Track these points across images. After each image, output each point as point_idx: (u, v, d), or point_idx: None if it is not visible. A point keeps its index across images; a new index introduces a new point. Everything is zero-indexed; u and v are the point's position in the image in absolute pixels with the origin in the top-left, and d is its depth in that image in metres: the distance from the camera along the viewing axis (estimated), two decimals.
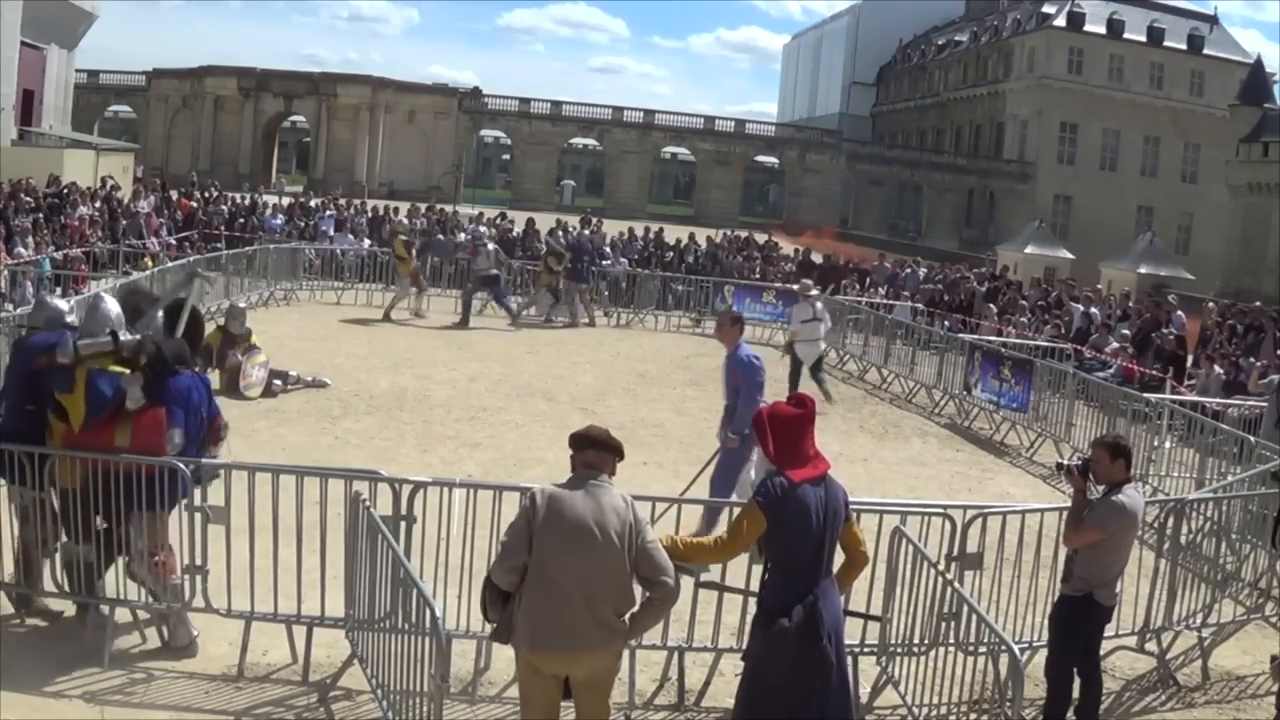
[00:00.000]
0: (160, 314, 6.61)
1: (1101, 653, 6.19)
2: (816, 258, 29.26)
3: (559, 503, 4.50)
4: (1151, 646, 7.00)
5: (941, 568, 5.95)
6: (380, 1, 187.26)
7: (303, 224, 27.16)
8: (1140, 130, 67.89)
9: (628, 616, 4.59)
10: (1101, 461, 5.89)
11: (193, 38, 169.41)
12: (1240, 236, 48.38)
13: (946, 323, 22.05)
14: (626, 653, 5.24)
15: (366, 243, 24.84)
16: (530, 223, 27.88)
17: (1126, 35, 67.43)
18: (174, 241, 24.28)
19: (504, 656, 5.68)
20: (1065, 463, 6.55)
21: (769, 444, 4.82)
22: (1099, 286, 27.17)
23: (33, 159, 28.59)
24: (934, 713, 5.86)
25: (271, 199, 34.04)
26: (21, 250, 19.41)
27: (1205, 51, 68.23)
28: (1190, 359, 18.16)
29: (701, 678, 6.36)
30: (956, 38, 77.43)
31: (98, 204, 24.93)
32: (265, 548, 6.02)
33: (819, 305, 15.59)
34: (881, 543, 6.22)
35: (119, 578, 6.27)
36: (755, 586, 5.05)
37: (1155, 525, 7.29)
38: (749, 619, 5.06)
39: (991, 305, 23.05)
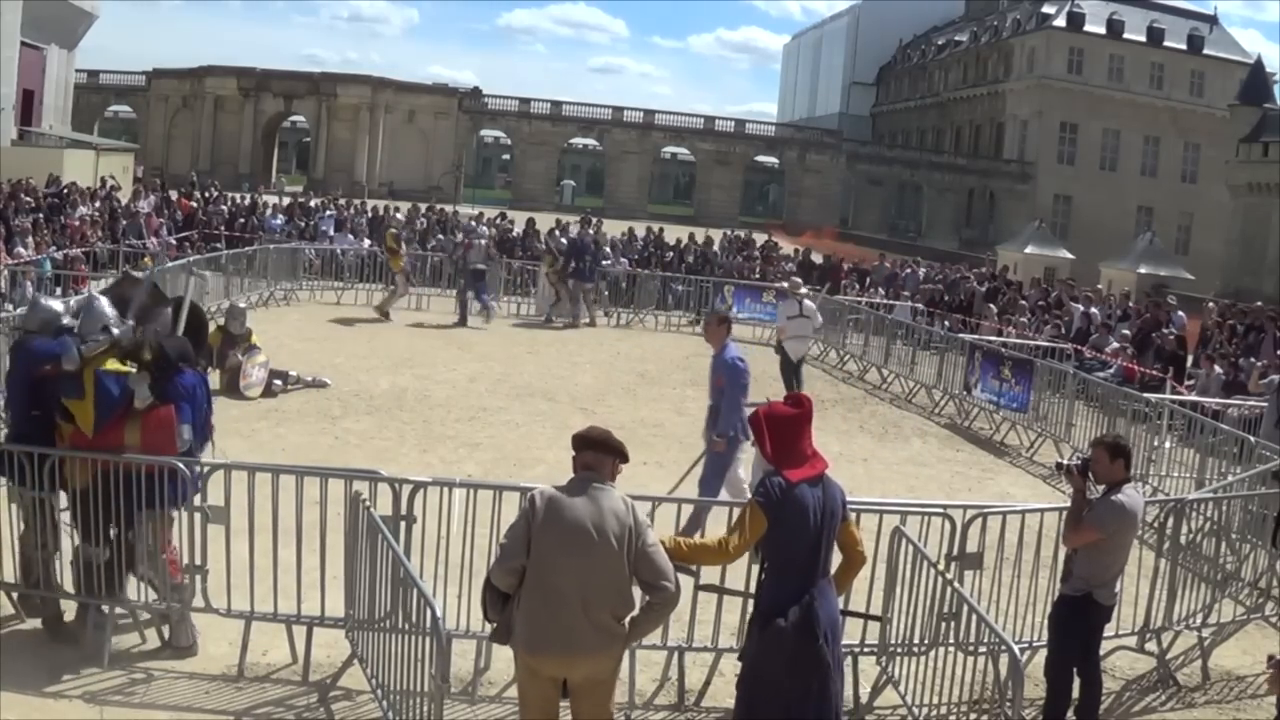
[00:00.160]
0: (163, 311, 6.60)
1: (1101, 653, 6.20)
2: (816, 258, 29.24)
3: (558, 505, 4.48)
4: (1151, 646, 7.00)
5: (941, 568, 5.95)
6: (380, 1, 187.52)
7: (303, 224, 27.17)
8: (1140, 130, 67.90)
9: (627, 621, 4.56)
10: (1101, 461, 5.89)
11: (193, 38, 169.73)
12: (1240, 236, 48.38)
13: (946, 323, 22.06)
14: (626, 653, 5.22)
15: (366, 243, 24.84)
16: (530, 223, 27.88)
17: (1126, 35, 67.45)
18: (174, 241, 24.27)
19: (504, 656, 5.68)
20: (1065, 462, 6.55)
21: (766, 444, 4.80)
22: (1099, 286, 27.19)
23: (33, 159, 28.62)
24: (934, 713, 5.87)
25: (271, 199, 34.03)
26: (21, 250, 19.41)
27: (1205, 51, 68.25)
28: (1190, 359, 18.15)
29: (701, 678, 6.36)
30: (956, 38, 77.44)
31: (97, 204, 24.94)
32: (265, 548, 6.02)
33: (806, 303, 15.74)
34: (881, 543, 6.22)
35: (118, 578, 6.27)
36: (754, 588, 5.05)
37: (1155, 525, 7.29)
38: (749, 619, 5.06)
39: (991, 305, 23.05)
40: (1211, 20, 70.66)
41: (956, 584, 5.95)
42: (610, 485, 4.59)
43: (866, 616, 5.80)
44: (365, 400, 13.18)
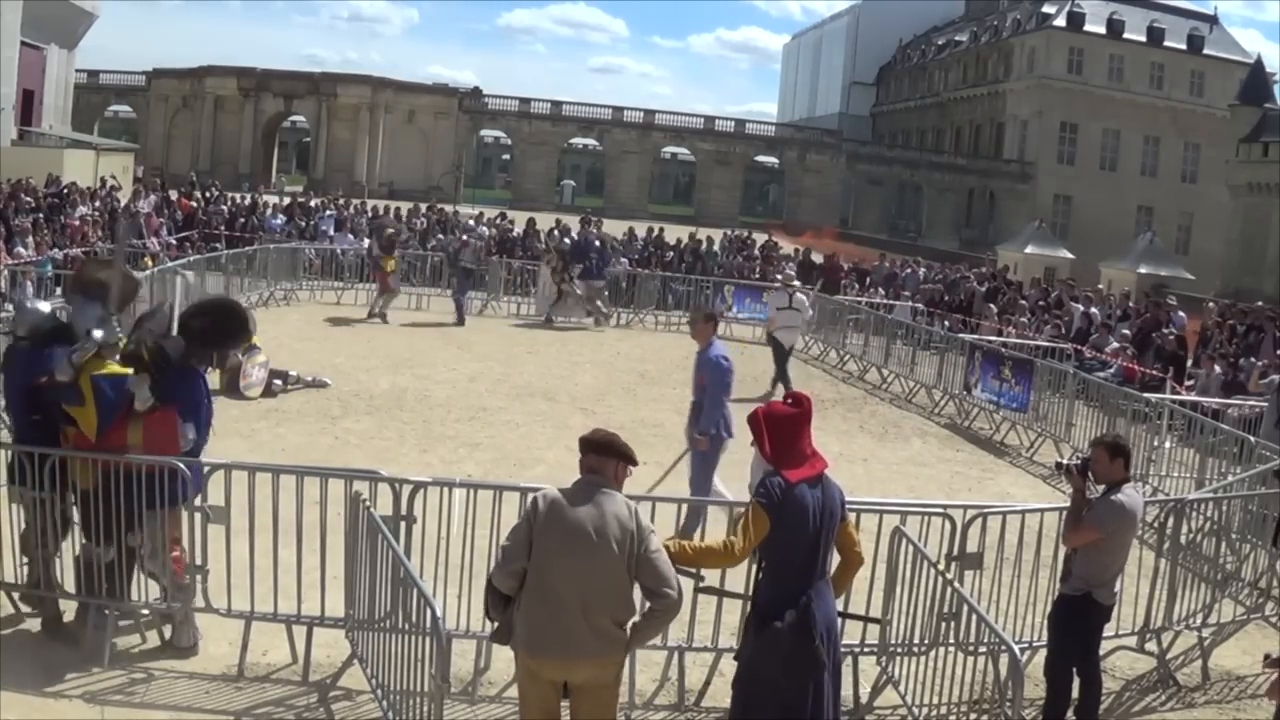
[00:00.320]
0: (161, 311, 6.58)
1: (1101, 653, 6.20)
2: (817, 257, 29.25)
3: (560, 508, 4.45)
4: (1151, 646, 7.00)
5: (941, 568, 5.95)
6: (380, 1, 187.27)
7: (303, 224, 27.17)
8: (1140, 130, 67.88)
9: (629, 626, 4.53)
10: (1101, 461, 5.90)
11: (193, 38, 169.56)
12: (1240, 236, 48.38)
13: (946, 323, 22.06)
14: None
15: (366, 243, 24.84)
16: (530, 223, 27.91)
17: (1126, 35, 67.43)
18: (174, 241, 24.28)
19: (504, 656, 5.68)
20: (1065, 462, 6.56)
21: (765, 444, 4.78)
22: (1099, 286, 27.18)
23: (33, 159, 28.63)
24: (934, 713, 5.87)
25: (271, 199, 34.03)
26: (21, 250, 19.41)
27: (1205, 51, 68.22)
28: (1190, 359, 18.16)
29: (701, 678, 6.36)
30: (956, 38, 77.43)
31: (97, 204, 24.95)
32: (265, 548, 6.02)
33: (797, 295, 16.42)
34: (881, 543, 6.22)
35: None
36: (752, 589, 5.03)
37: (1155, 525, 7.29)
38: (745, 619, 5.04)
39: (991, 305, 23.06)
40: (1211, 20, 70.64)
41: (956, 584, 5.95)
42: (615, 489, 4.56)
43: (865, 619, 5.79)
44: (365, 400, 13.18)
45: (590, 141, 73.87)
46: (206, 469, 6.22)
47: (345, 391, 13.50)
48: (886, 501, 7.47)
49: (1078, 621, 5.89)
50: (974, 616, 5.65)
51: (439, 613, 4.63)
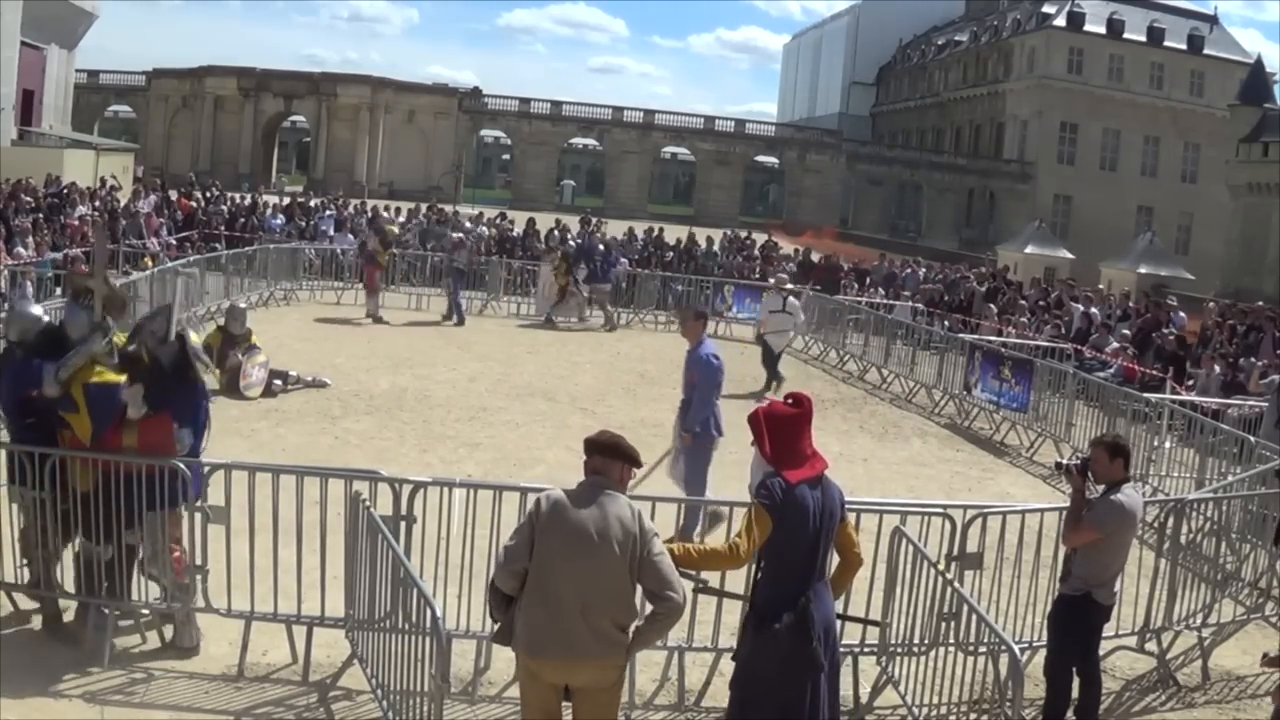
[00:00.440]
0: (158, 319, 6.55)
1: (1101, 653, 6.20)
2: (816, 258, 29.26)
3: (563, 509, 4.43)
4: (1151, 646, 7.00)
5: (941, 568, 5.95)
6: (380, 1, 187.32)
7: (303, 224, 27.17)
8: (1140, 130, 67.88)
9: (631, 629, 4.50)
10: (1101, 461, 5.90)
11: (193, 38, 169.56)
12: (1240, 236, 48.37)
13: (946, 323, 22.07)
14: None
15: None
16: (530, 223, 27.94)
17: (1126, 35, 67.42)
18: (174, 241, 24.28)
19: (504, 656, 5.68)
20: (1065, 462, 6.56)
21: (765, 444, 4.75)
22: (1099, 286, 27.19)
23: (33, 159, 28.63)
24: (934, 713, 5.87)
25: (271, 199, 34.03)
26: (21, 250, 19.41)
27: (1205, 51, 68.22)
28: (1190, 359, 18.15)
29: (701, 678, 6.36)
30: (956, 38, 77.42)
31: (97, 204, 24.94)
32: (265, 548, 6.02)
33: (790, 300, 16.80)
34: (881, 543, 6.22)
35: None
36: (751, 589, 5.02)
37: (1155, 525, 7.29)
38: (743, 619, 5.03)
39: (991, 305, 23.06)
40: (1211, 20, 70.63)
41: (956, 584, 5.95)
42: (619, 491, 4.54)
43: (865, 621, 5.77)
44: (365, 400, 13.18)
45: (590, 141, 73.86)
46: (206, 469, 6.22)
47: (345, 391, 13.50)
48: (886, 501, 7.47)
49: (1078, 621, 5.89)
50: (974, 616, 5.65)
51: (439, 613, 4.63)
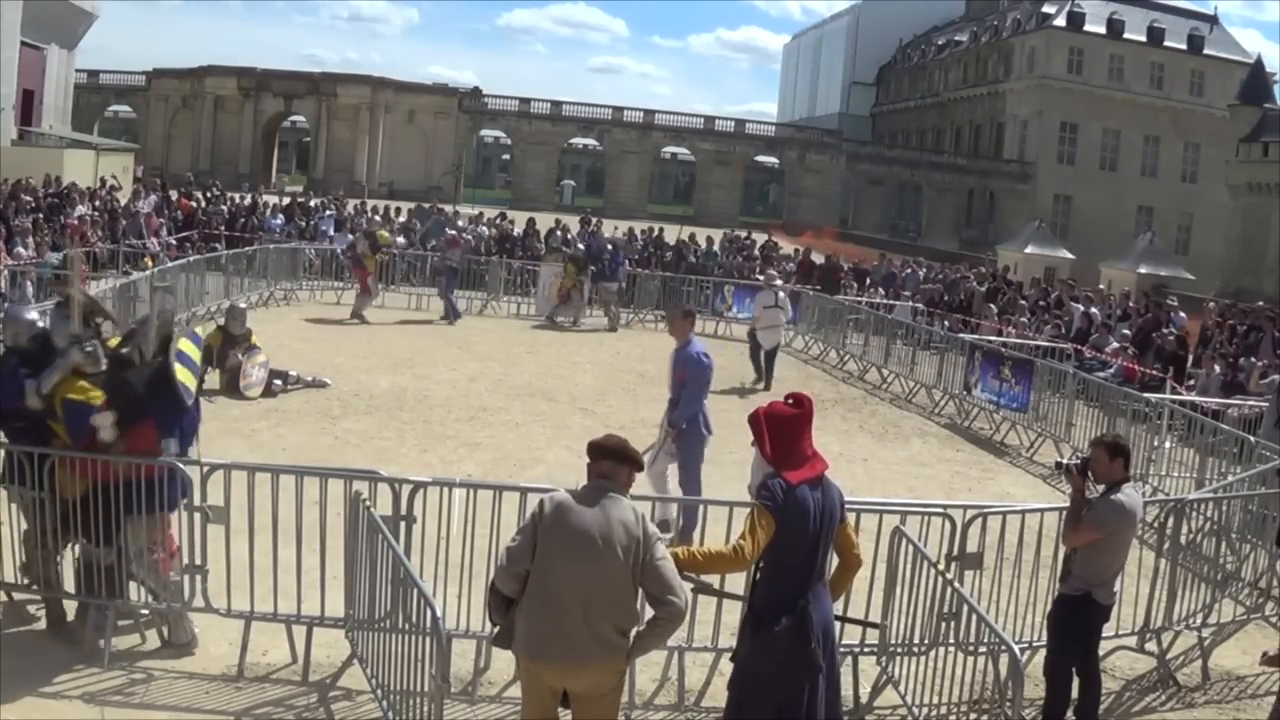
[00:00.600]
0: (146, 327, 6.44)
1: (1101, 653, 6.20)
2: (817, 258, 29.27)
3: (566, 512, 4.40)
4: (1151, 646, 7.00)
5: (941, 568, 5.95)
6: (380, 1, 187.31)
7: (303, 224, 27.17)
8: (1140, 130, 67.89)
9: (632, 634, 4.48)
10: (1101, 461, 5.90)
11: (193, 38, 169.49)
12: (1240, 236, 48.36)
13: (946, 323, 22.07)
14: None
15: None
16: (530, 223, 27.95)
17: (1126, 35, 67.43)
18: (174, 241, 24.28)
19: (504, 656, 5.67)
20: (1065, 462, 6.56)
21: (766, 444, 4.74)
22: (1099, 286, 27.19)
23: (33, 159, 28.63)
24: (934, 713, 5.87)
25: (271, 199, 34.03)
26: (21, 250, 19.41)
27: (1205, 51, 68.22)
28: (1190, 359, 18.16)
29: (701, 678, 6.36)
30: (956, 38, 77.43)
31: (96, 203, 24.94)
32: (265, 548, 6.02)
33: (780, 294, 17.19)
34: (881, 543, 6.22)
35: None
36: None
37: (1155, 525, 7.29)
38: (742, 620, 5.03)
39: (991, 305, 23.06)
40: (1211, 20, 70.64)
41: (956, 584, 5.95)
42: (623, 495, 4.51)
43: (864, 624, 5.77)
44: (365, 400, 13.18)
45: (590, 141, 73.84)
46: (206, 469, 6.21)
47: (345, 391, 13.50)
48: (886, 501, 7.47)
49: (1077, 621, 5.89)
50: (974, 616, 5.65)
51: (439, 613, 4.62)
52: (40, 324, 6.46)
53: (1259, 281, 43.48)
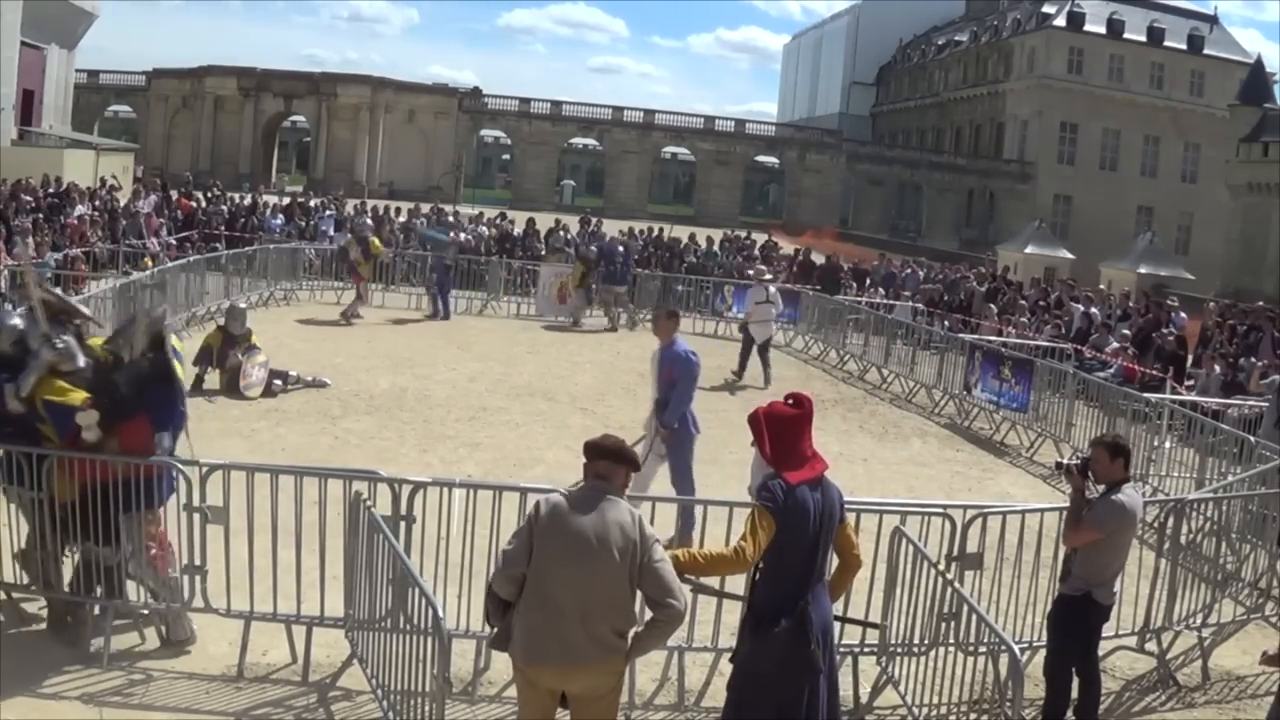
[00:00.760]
0: (131, 327, 6.41)
1: (1101, 653, 6.20)
2: (817, 258, 29.27)
3: (562, 514, 4.37)
4: (1151, 646, 7.00)
5: (941, 568, 5.95)
6: (380, 1, 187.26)
7: (303, 224, 27.17)
8: (1140, 130, 67.90)
9: (630, 635, 4.46)
10: (1101, 461, 5.90)
11: (193, 38, 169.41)
12: (1240, 236, 48.36)
13: (946, 323, 22.07)
14: None
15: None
16: (530, 223, 27.93)
17: (1126, 35, 67.44)
18: (174, 241, 24.27)
19: (504, 656, 5.65)
20: (1065, 462, 6.56)
21: (765, 444, 4.73)
22: (1099, 286, 27.19)
23: (33, 159, 28.64)
24: (934, 713, 5.87)
25: (271, 199, 34.03)
26: (21, 250, 19.39)
27: (1205, 51, 68.23)
28: (1190, 359, 18.16)
29: (701, 678, 6.36)
30: (956, 38, 77.43)
31: (96, 203, 24.93)
32: (265, 548, 6.02)
33: (772, 290, 17.58)
34: (881, 543, 6.22)
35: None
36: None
37: (1155, 525, 7.28)
38: (741, 621, 5.02)
39: (991, 305, 23.06)
40: (1211, 20, 70.64)
41: (956, 584, 5.95)
42: (620, 497, 4.49)
43: (864, 624, 5.76)
44: (365, 400, 13.18)
45: (590, 141, 73.83)
46: (206, 469, 6.20)
47: (345, 391, 13.50)
48: (886, 501, 7.46)
49: (1077, 621, 5.89)
50: (974, 616, 5.65)
51: (440, 612, 4.62)
52: (21, 327, 6.43)
53: (1259, 281, 43.48)
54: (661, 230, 29.38)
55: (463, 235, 24.61)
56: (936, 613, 5.93)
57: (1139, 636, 6.91)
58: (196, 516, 6.06)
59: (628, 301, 21.51)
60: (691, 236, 28.71)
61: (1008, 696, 5.44)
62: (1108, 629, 6.20)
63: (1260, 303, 24.11)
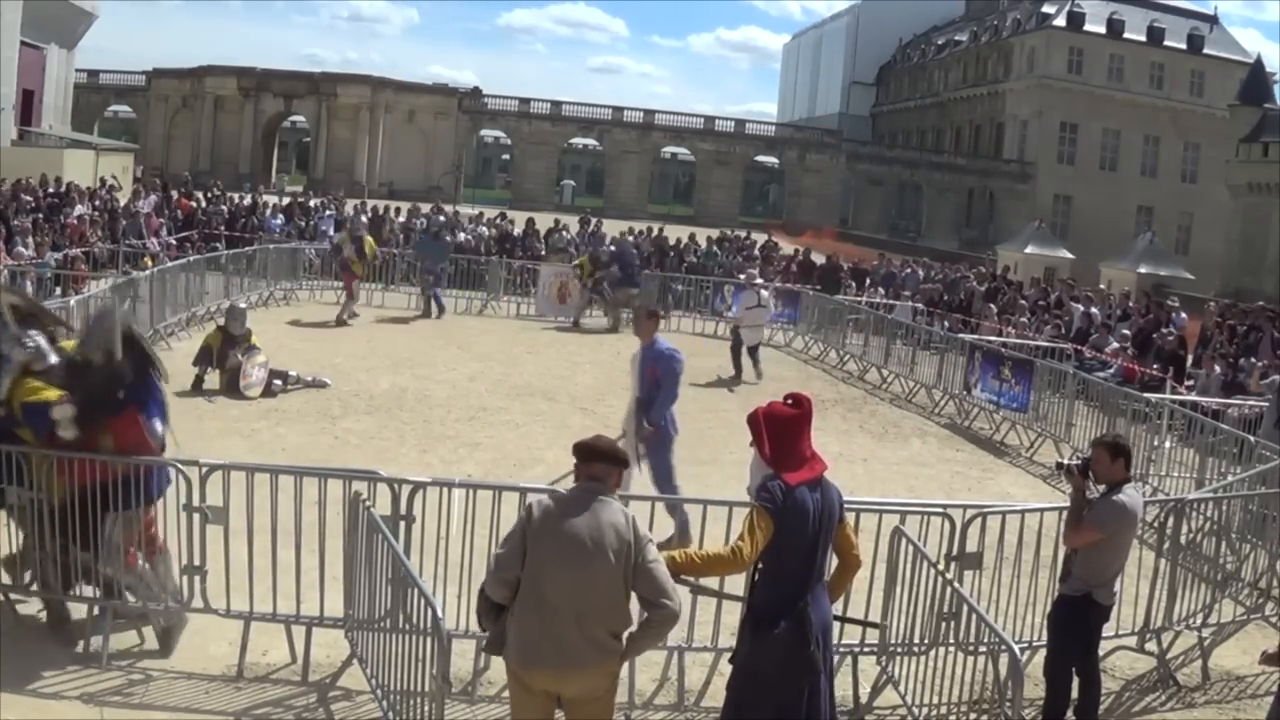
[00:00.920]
0: (97, 329, 6.39)
1: (1101, 653, 6.20)
2: (817, 258, 29.26)
3: (555, 516, 4.35)
4: (1151, 646, 7.00)
5: (941, 567, 5.95)
6: (380, 1, 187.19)
7: (303, 224, 27.16)
8: (1140, 130, 67.91)
9: (625, 636, 4.44)
10: (1101, 461, 5.90)
11: (193, 38, 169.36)
12: (1240, 236, 48.37)
13: (946, 323, 22.06)
14: None
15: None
16: (530, 223, 27.93)
17: (1126, 35, 67.44)
18: (174, 241, 24.27)
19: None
20: (1065, 462, 6.55)
21: (764, 445, 4.71)
22: (1099, 286, 27.19)
23: (33, 159, 28.64)
24: (934, 713, 5.86)
25: (271, 199, 34.02)
26: (21, 250, 19.41)
27: (1205, 51, 68.23)
28: (1190, 359, 18.16)
29: (701, 678, 6.36)
30: (956, 37, 77.44)
31: (96, 203, 24.93)
32: (264, 548, 6.02)
33: (764, 294, 17.73)
34: (881, 543, 6.22)
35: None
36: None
37: (1155, 525, 7.28)
38: (740, 622, 5.02)
39: (991, 305, 23.05)
40: (1211, 20, 70.64)
41: (956, 584, 5.95)
42: (613, 498, 4.47)
43: (864, 624, 5.76)
44: (365, 400, 13.18)
45: (590, 141, 73.83)
46: (205, 469, 6.20)
47: (345, 391, 13.50)
48: (886, 501, 7.45)
49: (1078, 621, 5.89)
50: (974, 616, 5.65)
51: (440, 612, 4.62)
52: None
53: (1259, 281, 43.48)
54: (661, 229, 29.39)
55: (461, 235, 24.63)
56: (936, 612, 5.93)
57: (1139, 636, 6.91)
58: (196, 517, 6.06)
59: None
60: (691, 236, 28.71)
61: (1008, 696, 5.44)
62: (1108, 629, 6.20)
63: (1260, 303, 24.08)
